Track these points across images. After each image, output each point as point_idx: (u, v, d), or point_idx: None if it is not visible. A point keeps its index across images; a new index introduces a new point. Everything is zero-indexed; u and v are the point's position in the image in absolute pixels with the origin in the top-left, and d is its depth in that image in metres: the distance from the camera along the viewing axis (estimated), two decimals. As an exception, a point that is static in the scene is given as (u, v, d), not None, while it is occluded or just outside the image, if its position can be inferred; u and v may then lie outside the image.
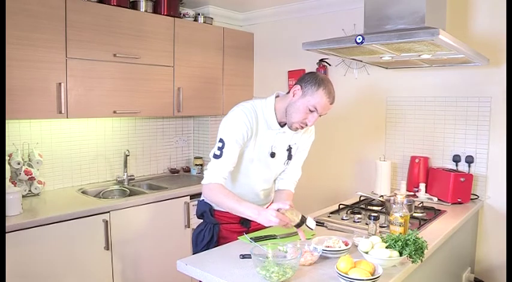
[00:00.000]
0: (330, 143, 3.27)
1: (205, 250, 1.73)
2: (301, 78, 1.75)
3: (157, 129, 3.36)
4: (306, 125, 1.74)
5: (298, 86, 1.72)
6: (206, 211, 1.86)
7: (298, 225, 1.64)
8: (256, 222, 1.79)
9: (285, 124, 1.79)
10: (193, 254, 1.79)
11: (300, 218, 1.63)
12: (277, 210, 1.59)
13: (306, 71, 3.32)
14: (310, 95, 1.68)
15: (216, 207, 1.87)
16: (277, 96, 1.83)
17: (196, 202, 2.86)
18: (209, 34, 3.23)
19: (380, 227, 1.92)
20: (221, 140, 1.71)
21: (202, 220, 1.93)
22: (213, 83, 3.30)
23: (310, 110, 1.69)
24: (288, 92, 1.78)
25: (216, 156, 1.71)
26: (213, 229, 1.84)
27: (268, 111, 1.77)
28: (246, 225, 1.89)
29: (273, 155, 1.81)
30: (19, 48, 2.21)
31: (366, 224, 2.01)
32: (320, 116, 1.72)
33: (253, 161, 1.80)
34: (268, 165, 1.84)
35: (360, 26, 2.68)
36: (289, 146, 1.87)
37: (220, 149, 1.70)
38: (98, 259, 2.36)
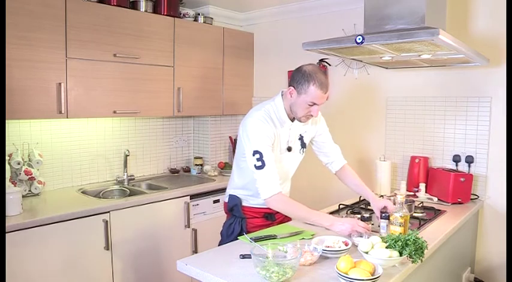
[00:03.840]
0: (330, 143, 3.27)
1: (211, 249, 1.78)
2: (292, 79, 1.86)
3: (157, 129, 3.36)
4: (312, 116, 1.88)
5: (291, 88, 1.84)
6: (237, 204, 1.99)
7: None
8: (280, 215, 2.02)
9: (294, 118, 1.94)
10: (220, 245, 1.92)
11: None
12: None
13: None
14: (304, 93, 1.81)
15: (243, 203, 2.00)
16: (282, 94, 1.94)
17: (197, 202, 2.89)
18: (209, 34, 3.23)
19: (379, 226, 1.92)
20: (256, 152, 1.78)
21: (229, 215, 2.05)
22: (213, 83, 3.30)
23: (309, 105, 1.82)
24: None
25: (260, 168, 1.78)
26: (242, 222, 1.97)
27: (280, 112, 1.91)
28: (270, 219, 2.01)
29: (289, 149, 1.97)
30: (19, 48, 2.21)
31: (372, 224, 2.02)
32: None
33: (276, 160, 1.88)
34: (287, 160, 1.98)
35: (360, 26, 2.68)
36: (300, 135, 2.01)
37: (260, 159, 1.78)
38: (98, 259, 2.36)
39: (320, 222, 1.82)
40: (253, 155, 1.78)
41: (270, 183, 1.77)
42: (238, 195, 2.01)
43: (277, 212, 2.00)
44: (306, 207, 1.83)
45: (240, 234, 1.90)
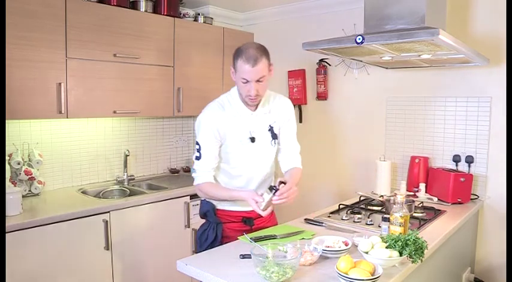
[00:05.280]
0: (330, 143, 3.27)
1: (210, 249, 1.75)
2: None
3: (157, 129, 3.36)
4: (251, 96, 1.75)
5: (231, 68, 1.79)
6: (209, 210, 1.90)
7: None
8: (260, 220, 1.93)
9: (256, 107, 1.85)
10: (197, 252, 1.81)
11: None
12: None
13: (306, 71, 3.33)
14: (236, 70, 1.74)
15: (218, 207, 1.90)
16: None
17: (197, 202, 2.88)
18: (209, 34, 3.23)
19: (379, 226, 1.92)
20: (197, 143, 1.84)
21: (205, 220, 1.96)
22: (213, 83, 3.30)
23: (243, 82, 1.73)
24: None
25: (197, 158, 1.84)
26: (217, 228, 1.87)
27: (235, 99, 1.85)
28: (249, 224, 1.91)
29: (253, 139, 1.84)
30: (19, 48, 2.21)
31: (367, 224, 2.02)
32: (260, 81, 1.72)
33: (237, 151, 1.83)
34: (253, 151, 1.85)
35: (360, 26, 2.68)
36: (270, 125, 1.89)
37: (199, 150, 1.83)
38: (98, 259, 2.36)
39: (236, 197, 1.79)
40: (195, 144, 1.84)
41: (201, 173, 1.82)
42: (209, 200, 1.91)
43: (256, 217, 1.90)
44: (226, 188, 1.85)
45: (215, 241, 1.84)
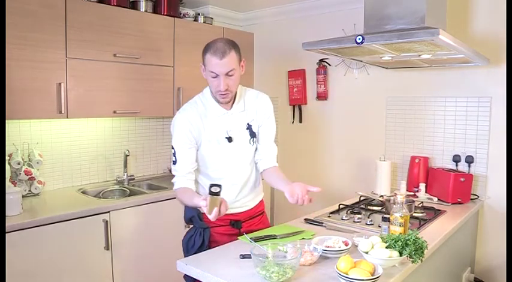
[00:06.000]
0: (330, 143, 3.27)
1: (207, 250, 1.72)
2: None
3: (157, 129, 3.36)
4: (221, 91, 1.69)
5: (202, 65, 1.74)
6: (194, 216, 1.83)
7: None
8: (249, 223, 1.88)
9: (232, 106, 1.80)
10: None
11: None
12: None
13: (306, 71, 3.33)
14: (205, 65, 1.70)
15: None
16: None
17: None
18: (209, 34, 3.22)
19: (379, 226, 1.92)
20: (172, 147, 1.79)
21: (191, 226, 1.90)
22: (213, 83, 3.30)
23: (213, 77, 1.68)
24: None
25: (173, 163, 1.79)
26: (204, 233, 1.81)
27: (208, 100, 1.79)
28: (237, 227, 1.85)
29: (230, 139, 1.78)
30: (19, 48, 2.21)
31: (367, 224, 2.02)
32: (229, 75, 1.67)
33: (215, 153, 1.79)
34: (231, 151, 1.80)
35: (360, 26, 2.68)
36: (248, 124, 1.83)
37: (174, 155, 1.78)
38: (98, 259, 2.36)
39: (196, 204, 1.61)
40: (171, 150, 1.80)
41: (177, 178, 1.78)
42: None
43: (245, 220, 1.87)
44: (191, 194, 1.71)
45: (202, 246, 1.78)
